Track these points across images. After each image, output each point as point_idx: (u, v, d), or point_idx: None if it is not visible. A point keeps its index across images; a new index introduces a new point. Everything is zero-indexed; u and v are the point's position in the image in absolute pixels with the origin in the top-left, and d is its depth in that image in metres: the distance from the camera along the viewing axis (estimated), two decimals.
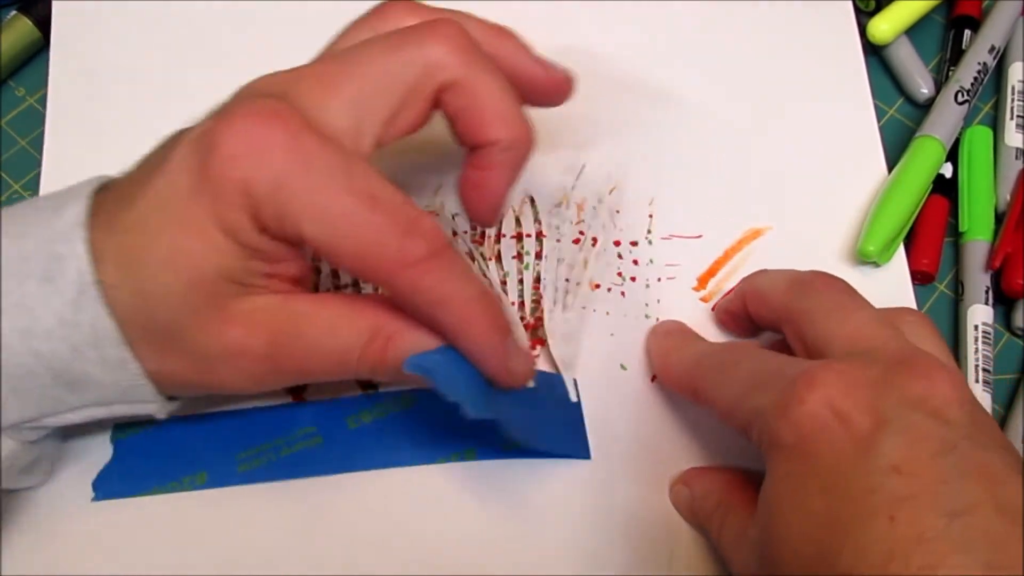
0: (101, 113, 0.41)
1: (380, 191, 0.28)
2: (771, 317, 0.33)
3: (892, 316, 0.31)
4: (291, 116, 0.28)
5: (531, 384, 0.33)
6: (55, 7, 0.43)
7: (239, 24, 0.44)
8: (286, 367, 0.30)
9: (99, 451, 0.34)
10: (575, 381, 0.36)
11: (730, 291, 0.37)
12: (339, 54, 0.31)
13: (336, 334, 0.30)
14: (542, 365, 0.36)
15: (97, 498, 0.33)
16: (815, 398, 0.26)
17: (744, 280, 0.36)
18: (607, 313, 0.37)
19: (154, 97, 0.42)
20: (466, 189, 0.32)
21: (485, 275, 0.38)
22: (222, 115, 0.28)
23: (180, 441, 0.34)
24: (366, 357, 0.30)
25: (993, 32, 0.44)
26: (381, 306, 0.30)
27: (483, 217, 0.33)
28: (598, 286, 0.38)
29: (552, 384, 0.36)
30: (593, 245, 0.38)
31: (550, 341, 0.36)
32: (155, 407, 0.31)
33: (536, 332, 0.37)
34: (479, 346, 0.30)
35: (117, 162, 0.31)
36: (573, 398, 0.36)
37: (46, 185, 0.40)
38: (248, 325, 0.29)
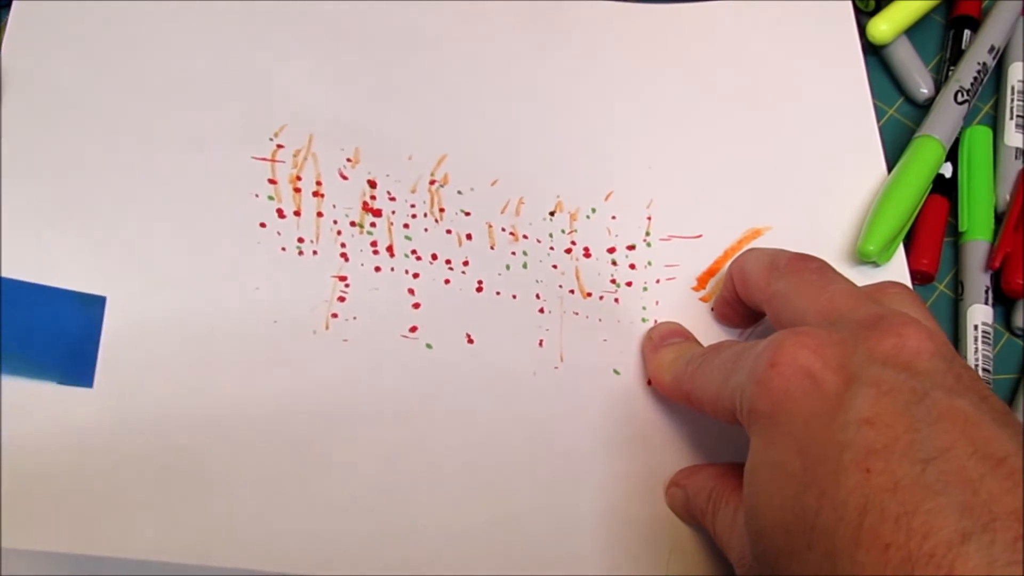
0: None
1: None
2: (756, 299, 0.33)
3: (873, 290, 0.31)
4: None
5: None
6: (15, 6, 0.39)
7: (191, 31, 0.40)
8: None
9: None
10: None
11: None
12: None
13: None
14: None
15: None
16: (784, 361, 0.27)
17: (732, 263, 0.36)
18: (599, 320, 0.37)
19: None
20: None
21: None
22: None
23: None
24: None
25: (993, 32, 0.44)
26: None
27: None
28: (590, 295, 0.38)
29: (53, 299, 0.33)
30: None
31: None
32: None
33: None
34: None
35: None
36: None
37: None
38: None
